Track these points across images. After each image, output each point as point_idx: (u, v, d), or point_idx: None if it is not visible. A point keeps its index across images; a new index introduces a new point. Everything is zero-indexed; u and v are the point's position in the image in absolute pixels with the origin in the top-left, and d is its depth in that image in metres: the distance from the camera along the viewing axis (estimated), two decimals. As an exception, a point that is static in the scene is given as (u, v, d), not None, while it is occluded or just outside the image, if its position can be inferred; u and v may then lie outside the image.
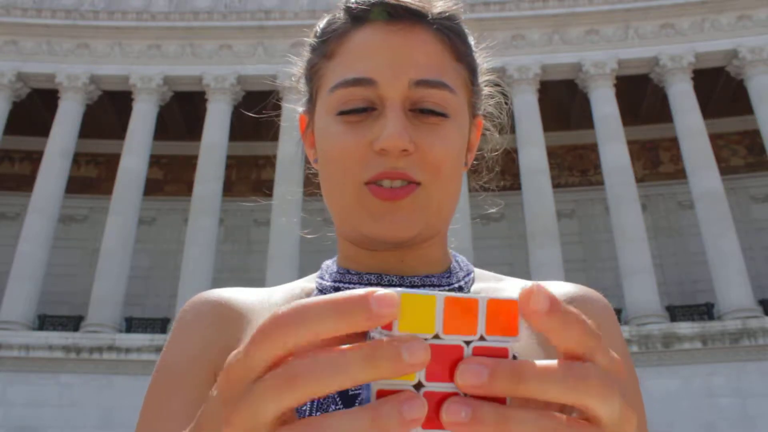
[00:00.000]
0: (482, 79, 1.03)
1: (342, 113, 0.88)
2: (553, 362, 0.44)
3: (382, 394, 0.43)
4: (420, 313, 0.43)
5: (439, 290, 0.91)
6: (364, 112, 0.87)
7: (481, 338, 0.44)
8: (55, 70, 22.45)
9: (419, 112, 0.87)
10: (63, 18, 22.99)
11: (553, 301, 0.43)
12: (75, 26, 22.96)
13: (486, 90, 1.04)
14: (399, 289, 0.43)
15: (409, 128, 0.85)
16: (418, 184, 0.86)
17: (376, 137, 0.85)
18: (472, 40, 0.98)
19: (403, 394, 0.41)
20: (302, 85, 1.01)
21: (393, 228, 0.86)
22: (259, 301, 0.98)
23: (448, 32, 0.91)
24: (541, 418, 0.42)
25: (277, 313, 0.43)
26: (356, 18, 0.91)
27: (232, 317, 0.94)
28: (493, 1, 22.79)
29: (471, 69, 0.95)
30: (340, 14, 0.94)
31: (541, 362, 0.43)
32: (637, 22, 22.40)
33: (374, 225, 0.86)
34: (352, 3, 0.92)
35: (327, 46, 0.93)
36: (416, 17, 0.89)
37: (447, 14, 0.92)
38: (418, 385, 0.43)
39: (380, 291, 0.42)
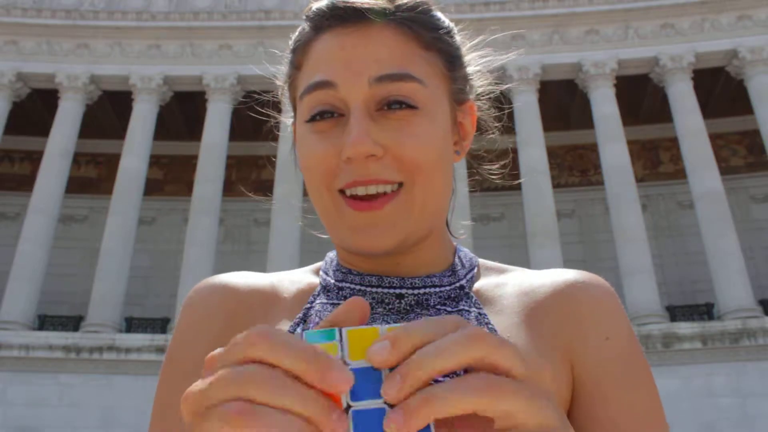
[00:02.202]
0: (472, 67, 1.00)
1: (310, 120, 0.87)
2: (446, 384, 0.50)
3: None
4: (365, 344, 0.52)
5: (439, 290, 0.91)
6: (332, 117, 0.86)
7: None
8: (55, 70, 22.44)
9: (387, 109, 0.85)
10: (63, 18, 22.99)
11: (393, 339, 0.51)
12: (75, 26, 22.96)
13: (473, 71, 1.01)
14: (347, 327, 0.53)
15: (376, 130, 0.83)
16: (400, 184, 0.84)
17: (343, 145, 0.83)
18: (447, 25, 0.95)
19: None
20: (286, 98, 1.02)
21: (373, 241, 0.84)
22: (264, 286, 0.98)
23: (410, 23, 0.88)
24: None
25: (250, 334, 0.51)
26: (315, 26, 0.91)
27: (234, 302, 0.95)
28: (493, 1, 22.80)
29: (447, 55, 0.92)
30: (306, 24, 0.94)
31: (436, 385, 0.50)
32: (637, 22, 22.40)
33: (354, 238, 0.85)
34: (309, 12, 0.92)
35: (295, 56, 0.94)
36: (373, 15, 0.87)
37: (407, 5, 0.89)
38: (347, 408, 0.50)
39: (340, 371, 0.48)
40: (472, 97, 1.00)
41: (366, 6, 0.87)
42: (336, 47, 0.87)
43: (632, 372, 0.86)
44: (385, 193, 0.84)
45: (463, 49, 0.98)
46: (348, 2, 0.87)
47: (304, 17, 0.94)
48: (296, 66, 0.93)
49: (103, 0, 23.47)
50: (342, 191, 0.85)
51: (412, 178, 0.84)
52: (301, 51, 0.92)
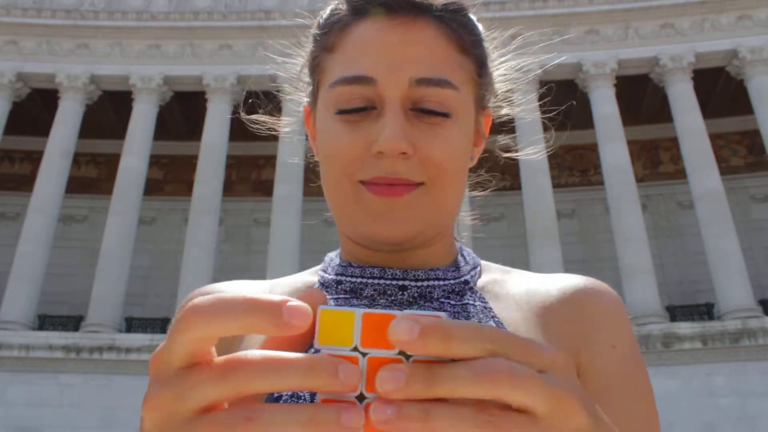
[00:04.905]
0: (497, 72, 1.00)
1: (341, 112, 0.86)
2: (465, 362, 0.44)
3: (326, 401, 0.45)
4: (338, 327, 0.46)
5: (443, 283, 0.90)
6: (364, 111, 0.85)
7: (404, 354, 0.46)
8: (55, 70, 22.44)
9: (420, 111, 0.84)
10: (63, 18, 22.99)
11: (425, 327, 0.43)
12: (75, 26, 22.95)
13: (499, 80, 1.01)
14: (321, 306, 0.47)
15: (409, 129, 0.83)
16: (420, 184, 0.84)
17: (374, 138, 0.83)
18: (481, 31, 0.95)
19: (346, 404, 0.44)
20: (305, 77, 0.99)
21: (391, 227, 0.84)
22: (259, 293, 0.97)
23: (453, 24, 0.88)
24: (462, 408, 0.44)
25: (196, 303, 0.46)
26: (357, 10, 0.88)
27: None
28: (493, 1, 22.79)
29: (478, 61, 0.92)
30: (342, 5, 0.91)
31: (454, 364, 0.44)
32: (637, 22, 22.39)
33: (372, 224, 0.84)
34: None
35: (328, 38, 0.91)
36: (419, 10, 0.86)
37: (453, 5, 0.89)
38: (361, 397, 0.45)
39: (295, 301, 0.45)
40: (491, 104, 0.99)
41: (416, 0, 0.86)
42: (379, 40, 0.85)
43: (635, 382, 0.87)
44: (406, 185, 0.84)
45: (491, 56, 0.98)
46: None
47: None
48: (327, 48, 0.90)
49: (103, 0, 23.47)
50: (362, 181, 0.85)
51: (434, 180, 0.85)
52: (336, 33, 0.90)
